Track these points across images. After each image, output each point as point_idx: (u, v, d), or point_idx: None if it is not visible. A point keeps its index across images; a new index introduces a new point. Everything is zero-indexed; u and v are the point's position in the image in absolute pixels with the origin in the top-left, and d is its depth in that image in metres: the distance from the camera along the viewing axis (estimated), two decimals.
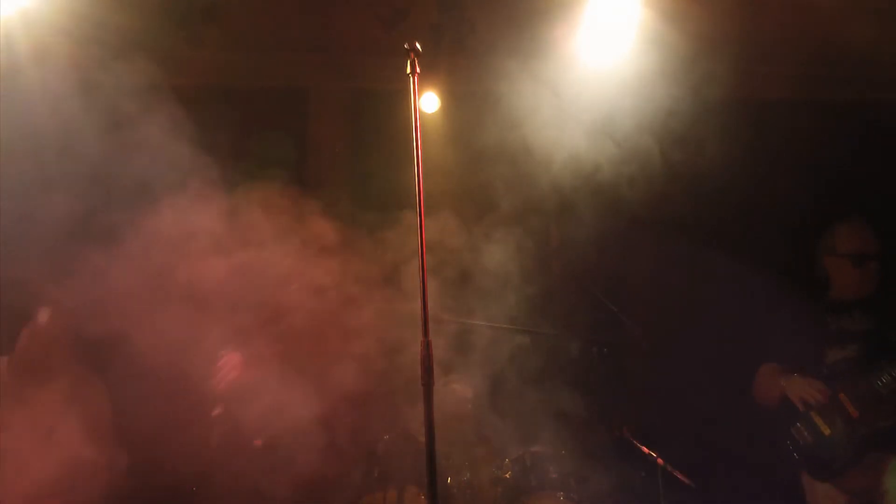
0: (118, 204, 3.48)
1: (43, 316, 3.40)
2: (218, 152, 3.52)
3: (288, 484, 3.50)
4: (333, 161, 4.52)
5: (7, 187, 3.37)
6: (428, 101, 4.88)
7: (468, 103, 4.84)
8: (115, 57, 3.46)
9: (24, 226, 3.40)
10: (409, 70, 2.65)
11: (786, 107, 5.10)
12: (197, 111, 3.60)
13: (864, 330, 3.62)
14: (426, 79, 4.42)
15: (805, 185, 4.80)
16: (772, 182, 4.85)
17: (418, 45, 2.65)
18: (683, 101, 4.66)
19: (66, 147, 3.40)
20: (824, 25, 4.47)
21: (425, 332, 2.42)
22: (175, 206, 3.47)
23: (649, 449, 4.24)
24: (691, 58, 4.49)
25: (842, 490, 3.49)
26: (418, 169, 2.56)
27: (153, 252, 3.34)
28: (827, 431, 3.54)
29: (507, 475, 4.16)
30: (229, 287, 3.32)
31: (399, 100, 2.79)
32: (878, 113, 5.02)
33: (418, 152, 2.58)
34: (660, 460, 4.18)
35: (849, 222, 3.85)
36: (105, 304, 3.25)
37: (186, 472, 3.44)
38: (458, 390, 4.45)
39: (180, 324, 3.24)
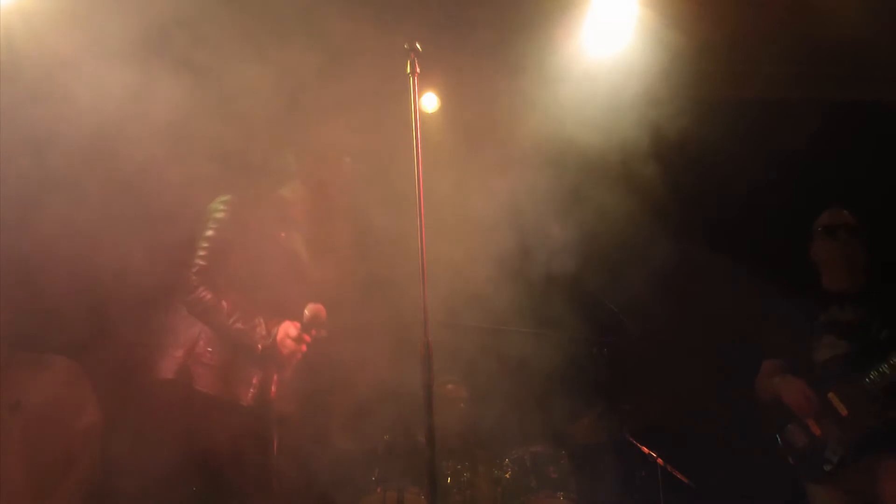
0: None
1: None
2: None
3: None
4: None
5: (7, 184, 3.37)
6: (428, 101, 4.88)
7: (468, 103, 4.85)
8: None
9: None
10: (409, 70, 2.65)
11: (785, 106, 5.10)
12: None
13: (853, 321, 3.59)
14: (426, 79, 4.41)
15: (803, 183, 4.81)
16: (770, 180, 4.85)
17: (418, 45, 2.65)
18: (683, 100, 4.66)
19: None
20: (824, 24, 4.47)
21: (425, 333, 2.42)
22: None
23: (649, 449, 4.25)
24: (691, 57, 4.49)
25: (841, 491, 3.48)
26: (418, 169, 2.56)
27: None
28: (818, 432, 3.51)
29: (507, 475, 4.17)
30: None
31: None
32: (879, 113, 5.03)
33: (418, 152, 2.58)
34: (660, 460, 4.19)
35: (831, 206, 3.90)
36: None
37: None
38: (452, 390, 4.45)
39: None
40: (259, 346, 3.12)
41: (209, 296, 3.11)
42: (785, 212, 4.73)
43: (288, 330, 3.18)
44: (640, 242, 4.66)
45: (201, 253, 3.19)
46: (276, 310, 3.23)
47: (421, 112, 4.45)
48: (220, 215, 3.26)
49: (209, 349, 3.12)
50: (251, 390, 3.17)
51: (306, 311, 3.21)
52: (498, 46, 4.42)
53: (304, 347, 3.22)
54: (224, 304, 3.11)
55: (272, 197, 3.44)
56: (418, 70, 2.65)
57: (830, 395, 3.49)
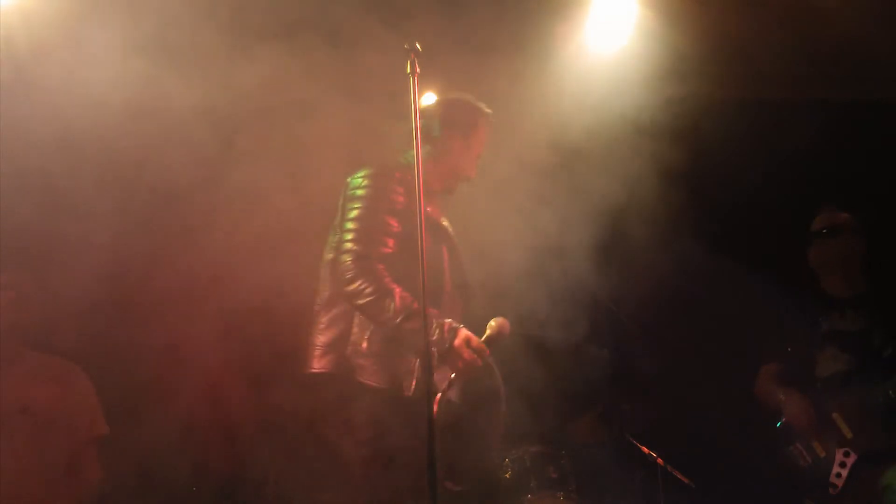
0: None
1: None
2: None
3: None
4: None
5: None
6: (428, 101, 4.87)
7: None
8: None
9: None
10: (409, 70, 2.64)
11: (785, 106, 5.10)
12: None
13: (855, 330, 3.56)
14: (426, 79, 4.41)
15: (803, 183, 4.81)
16: (770, 181, 4.86)
17: (418, 45, 2.64)
18: (684, 100, 4.67)
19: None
20: (824, 24, 4.47)
21: (425, 333, 2.42)
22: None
23: (649, 449, 4.24)
24: (691, 57, 4.50)
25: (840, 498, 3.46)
26: (418, 169, 2.56)
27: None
28: (823, 454, 3.48)
29: (507, 475, 4.16)
30: None
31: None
32: (879, 113, 5.03)
33: (418, 152, 2.58)
34: (660, 460, 4.18)
35: (822, 207, 3.86)
36: None
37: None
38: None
39: None
40: (434, 350, 2.72)
41: (370, 288, 2.75)
42: (786, 213, 4.73)
43: (470, 339, 2.80)
44: (640, 243, 4.66)
45: (350, 237, 2.84)
46: (439, 300, 2.95)
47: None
48: (362, 192, 2.93)
49: (365, 338, 2.82)
50: (413, 380, 2.84)
51: (493, 324, 2.86)
52: (498, 46, 4.43)
53: (479, 362, 2.85)
54: (389, 301, 2.74)
55: (409, 165, 3.03)
56: (418, 70, 2.64)
57: (835, 415, 3.45)
